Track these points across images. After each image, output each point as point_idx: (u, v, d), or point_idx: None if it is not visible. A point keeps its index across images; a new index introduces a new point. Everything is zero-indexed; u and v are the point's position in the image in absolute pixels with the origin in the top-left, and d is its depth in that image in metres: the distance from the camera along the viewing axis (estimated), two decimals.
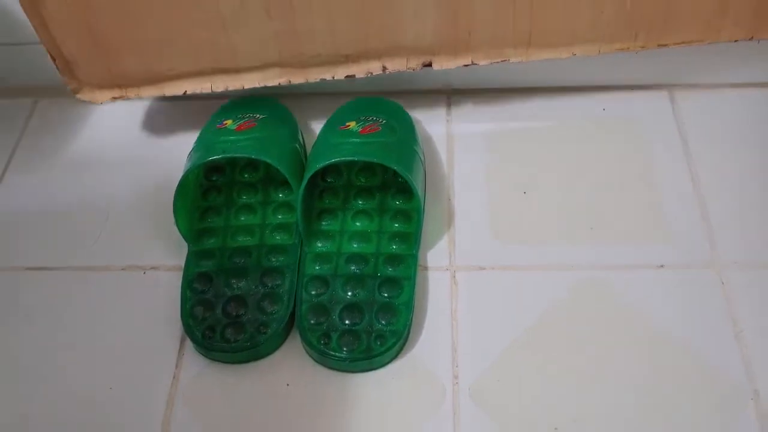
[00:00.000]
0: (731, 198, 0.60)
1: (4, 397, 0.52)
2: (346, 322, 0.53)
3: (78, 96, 0.59)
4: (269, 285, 0.55)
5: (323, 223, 0.57)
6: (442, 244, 0.59)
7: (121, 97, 0.60)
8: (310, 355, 0.53)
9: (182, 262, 0.56)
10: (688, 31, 0.61)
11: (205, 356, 0.53)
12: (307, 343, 0.52)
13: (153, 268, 0.58)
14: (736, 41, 0.61)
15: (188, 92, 0.60)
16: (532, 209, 0.60)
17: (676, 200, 0.60)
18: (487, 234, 0.59)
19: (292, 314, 0.54)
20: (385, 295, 0.54)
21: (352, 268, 0.55)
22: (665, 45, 0.61)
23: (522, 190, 0.62)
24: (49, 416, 0.52)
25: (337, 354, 0.51)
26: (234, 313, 0.53)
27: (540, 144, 0.65)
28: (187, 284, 0.55)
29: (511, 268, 0.57)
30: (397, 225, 0.57)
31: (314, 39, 0.57)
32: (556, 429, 0.49)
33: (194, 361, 0.53)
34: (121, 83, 0.59)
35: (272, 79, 0.59)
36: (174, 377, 0.53)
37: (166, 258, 0.58)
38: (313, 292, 0.54)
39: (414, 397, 0.51)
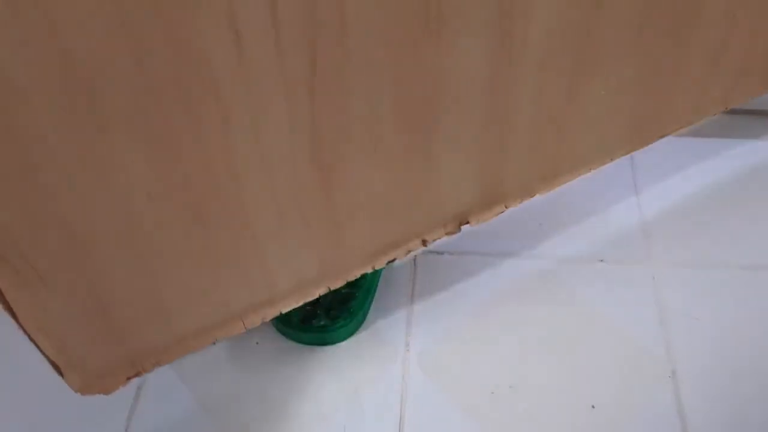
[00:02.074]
0: (668, 203, 0.69)
1: None
2: (307, 308, 0.59)
3: (84, 394, 0.45)
4: None
5: None
6: None
7: (137, 375, 0.47)
8: (273, 325, 0.59)
9: None
10: (679, 121, 0.61)
11: None
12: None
13: None
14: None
15: (218, 340, 0.48)
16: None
17: (620, 205, 0.69)
18: None
19: None
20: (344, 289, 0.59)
21: None
22: (662, 137, 0.61)
23: None
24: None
25: (297, 327, 0.58)
26: None
27: None
28: None
29: (465, 254, 0.65)
30: None
31: (359, 241, 0.49)
32: (492, 393, 0.56)
33: None
34: (136, 359, 0.46)
35: (310, 294, 0.50)
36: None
37: None
38: None
39: (367, 361, 0.58)
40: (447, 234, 0.54)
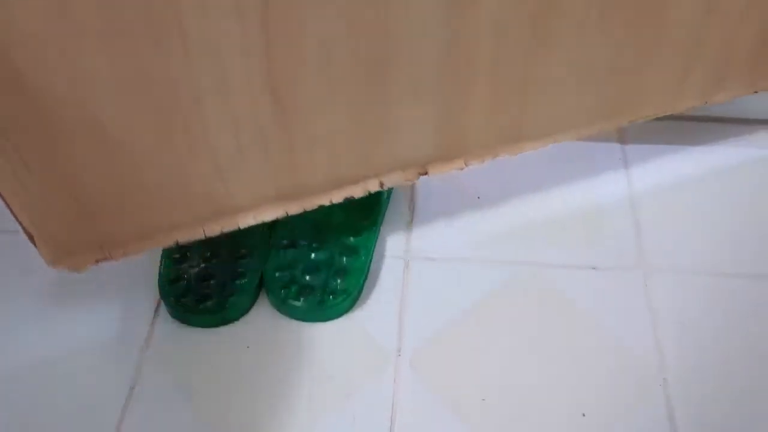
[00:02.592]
0: (661, 212, 0.69)
1: None
2: (307, 277, 0.61)
3: (54, 267, 0.52)
4: (239, 260, 0.62)
5: None
6: (400, 237, 0.67)
7: (104, 259, 0.53)
8: (271, 303, 0.61)
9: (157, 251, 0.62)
10: (653, 107, 0.64)
11: (178, 319, 0.60)
12: (271, 293, 0.60)
13: None
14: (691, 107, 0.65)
15: (180, 241, 0.54)
16: (484, 210, 0.69)
17: (613, 212, 0.69)
18: (440, 229, 0.67)
19: (258, 285, 0.62)
20: (344, 259, 0.62)
21: (320, 232, 0.63)
22: (635, 120, 0.64)
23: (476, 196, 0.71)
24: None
25: (294, 301, 0.59)
26: (206, 283, 0.60)
27: None
28: (166, 256, 0.62)
29: (457, 259, 0.65)
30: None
31: (314, 169, 0.54)
32: (483, 400, 0.56)
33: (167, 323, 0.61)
34: (105, 244, 0.53)
35: (269, 214, 0.56)
36: (148, 335, 0.60)
37: None
38: (281, 252, 0.62)
39: (360, 364, 0.58)
40: (406, 180, 0.58)
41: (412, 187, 0.71)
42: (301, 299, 0.60)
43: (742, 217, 0.68)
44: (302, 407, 0.55)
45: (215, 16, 0.42)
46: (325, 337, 0.60)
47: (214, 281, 0.61)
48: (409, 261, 0.65)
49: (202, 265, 0.62)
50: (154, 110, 0.46)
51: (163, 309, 0.61)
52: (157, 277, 0.61)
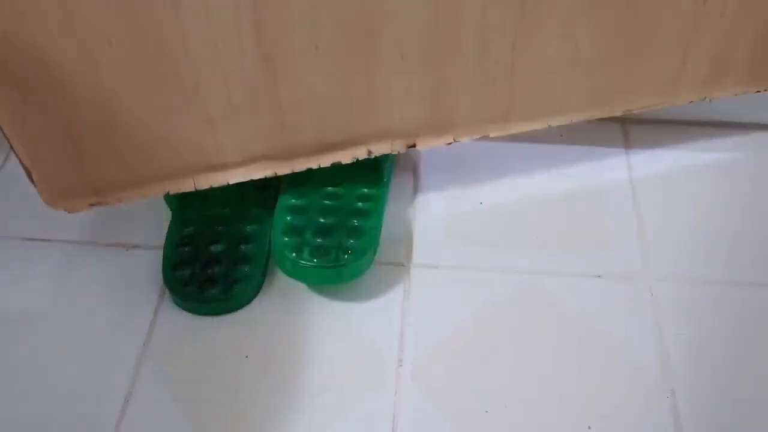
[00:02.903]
0: (666, 219, 0.67)
1: None
2: (318, 240, 0.59)
3: (52, 207, 0.55)
4: (243, 247, 0.61)
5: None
6: (401, 244, 0.65)
7: (99, 203, 0.56)
8: (283, 268, 0.59)
9: (161, 243, 0.63)
10: (649, 98, 0.64)
11: (182, 307, 0.60)
12: (281, 257, 0.58)
13: (135, 246, 0.65)
14: (690, 102, 0.66)
15: (171, 192, 0.57)
16: (486, 216, 0.68)
17: (618, 219, 0.67)
18: (442, 236, 0.66)
19: (264, 272, 0.61)
20: (355, 221, 0.60)
21: (326, 202, 0.62)
22: (630, 111, 0.65)
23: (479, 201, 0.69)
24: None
25: (308, 263, 0.57)
26: (210, 270, 0.60)
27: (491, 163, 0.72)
28: (169, 244, 0.62)
29: (460, 267, 0.63)
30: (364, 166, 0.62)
31: (302, 131, 0.56)
32: (487, 412, 0.55)
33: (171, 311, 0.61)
34: (99, 189, 0.56)
35: (258, 172, 0.58)
36: (151, 323, 0.60)
37: (147, 238, 0.65)
38: (288, 218, 0.60)
39: (361, 375, 0.57)
40: (393, 151, 0.60)
41: (414, 192, 0.69)
42: (315, 260, 0.57)
43: (751, 223, 0.67)
44: (301, 421, 0.54)
45: None
46: (328, 345, 0.58)
47: (218, 268, 0.60)
48: (410, 268, 0.64)
49: (207, 252, 0.61)
50: (145, 58, 0.48)
51: (168, 297, 0.61)
52: (161, 264, 0.61)
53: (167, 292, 0.61)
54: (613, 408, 0.55)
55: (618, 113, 0.64)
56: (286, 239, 0.59)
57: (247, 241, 0.62)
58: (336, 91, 0.54)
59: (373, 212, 0.61)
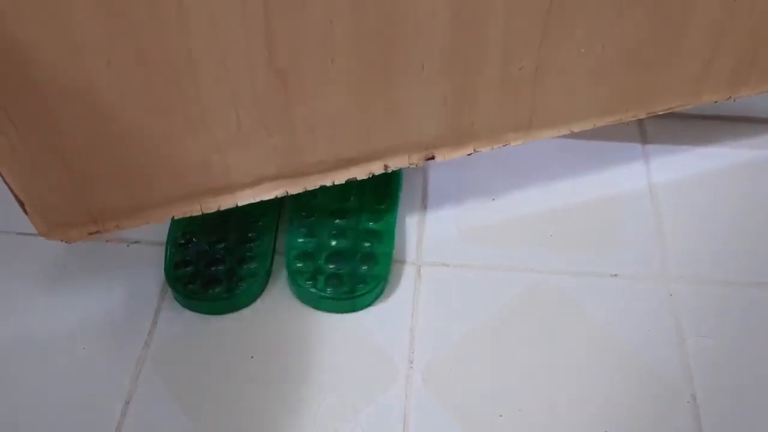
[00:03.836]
0: (685, 217, 0.65)
1: None
2: (331, 266, 0.58)
3: (47, 238, 0.51)
4: (248, 244, 0.60)
5: None
6: (411, 241, 0.63)
7: (98, 232, 0.52)
8: (297, 296, 0.58)
9: (163, 239, 0.61)
10: (673, 99, 0.61)
11: (184, 305, 0.58)
12: (296, 285, 0.57)
13: (136, 242, 0.63)
14: (716, 102, 0.63)
15: (176, 216, 0.53)
16: (498, 213, 0.66)
17: (635, 216, 0.65)
18: (453, 233, 0.64)
19: (269, 270, 0.60)
20: (367, 244, 0.59)
21: (336, 221, 0.60)
22: (654, 113, 0.62)
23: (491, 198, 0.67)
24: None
25: (322, 293, 0.56)
26: (214, 268, 0.58)
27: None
28: (172, 242, 0.60)
29: (471, 266, 0.61)
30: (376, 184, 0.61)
31: (315, 148, 0.53)
32: (500, 416, 0.52)
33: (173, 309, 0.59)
34: (98, 217, 0.51)
35: (269, 193, 0.54)
36: (153, 322, 0.58)
37: (149, 234, 0.63)
38: (300, 240, 0.59)
39: (371, 376, 0.55)
40: (411, 164, 0.56)
41: (424, 188, 0.67)
42: (329, 290, 0.57)
43: None
44: (308, 423, 0.52)
45: None
46: (337, 345, 0.56)
47: (222, 267, 0.58)
48: (420, 267, 0.61)
49: (210, 249, 0.59)
50: (148, 78, 0.44)
51: (169, 295, 0.59)
52: (164, 262, 0.59)
53: (169, 290, 0.59)
54: (631, 413, 0.53)
55: (642, 116, 0.61)
56: (300, 265, 0.58)
57: (252, 239, 0.60)
58: (352, 106, 0.51)
59: (385, 233, 0.60)
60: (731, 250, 0.63)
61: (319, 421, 0.52)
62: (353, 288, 0.57)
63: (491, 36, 0.50)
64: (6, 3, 0.38)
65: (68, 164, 0.47)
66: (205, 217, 0.58)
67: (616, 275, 0.61)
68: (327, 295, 0.56)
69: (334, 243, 0.59)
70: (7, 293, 0.59)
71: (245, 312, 0.58)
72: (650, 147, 0.71)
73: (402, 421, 0.52)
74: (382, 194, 0.62)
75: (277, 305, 0.59)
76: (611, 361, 0.55)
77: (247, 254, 0.59)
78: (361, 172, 0.55)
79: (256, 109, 0.48)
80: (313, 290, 0.56)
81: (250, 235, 0.60)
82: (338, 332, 0.57)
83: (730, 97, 0.63)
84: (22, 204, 0.48)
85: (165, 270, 0.58)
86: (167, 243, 0.60)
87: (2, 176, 0.46)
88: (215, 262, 0.59)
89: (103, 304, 0.59)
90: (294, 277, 0.57)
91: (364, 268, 0.58)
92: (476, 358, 0.56)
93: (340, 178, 0.55)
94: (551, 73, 0.54)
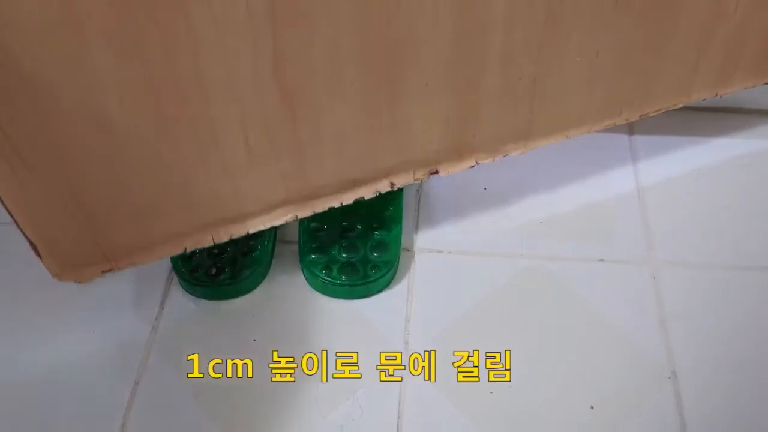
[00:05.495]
0: (669, 205, 0.68)
1: None
2: (344, 255, 0.61)
3: (60, 280, 0.50)
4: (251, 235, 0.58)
5: None
6: (407, 229, 0.66)
7: (111, 270, 0.52)
8: (313, 285, 0.61)
9: None
10: (663, 100, 0.63)
11: (190, 292, 0.61)
12: (313, 277, 0.60)
13: None
14: (703, 100, 0.64)
15: (188, 249, 0.53)
16: (490, 201, 0.68)
17: (621, 205, 0.68)
18: (447, 221, 0.67)
19: (271, 255, 0.62)
20: (376, 233, 0.62)
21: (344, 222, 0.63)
22: (646, 114, 0.63)
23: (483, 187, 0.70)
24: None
25: (338, 281, 0.59)
26: (219, 253, 0.60)
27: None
28: None
29: (465, 252, 0.64)
30: None
31: (323, 170, 0.53)
32: (491, 393, 0.55)
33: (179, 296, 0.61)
34: (111, 254, 0.51)
35: (278, 219, 0.54)
36: (160, 308, 0.60)
37: None
38: (312, 226, 0.62)
39: (364, 359, 0.57)
40: (416, 180, 0.57)
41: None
42: (343, 277, 0.59)
43: (752, 209, 0.68)
44: (307, 404, 0.55)
45: (222, 12, 0.41)
46: (332, 329, 0.59)
47: (226, 252, 0.60)
48: (415, 253, 0.64)
49: None
50: (159, 109, 0.44)
51: (176, 281, 0.61)
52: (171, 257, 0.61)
53: (175, 276, 0.61)
54: (616, 389, 0.55)
55: (635, 118, 0.63)
56: (314, 256, 0.61)
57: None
58: (358, 126, 0.51)
59: (392, 221, 0.63)
60: (714, 236, 0.65)
61: (317, 401, 0.55)
62: (366, 274, 0.60)
63: (491, 50, 0.51)
64: (22, 42, 0.38)
65: (80, 201, 0.47)
66: None
67: (602, 260, 0.63)
68: (343, 282, 0.59)
69: (345, 234, 0.62)
70: (7, 282, 0.61)
71: (249, 297, 0.61)
72: (636, 138, 0.74)
73: (398, 399, 0.55)
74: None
75: (280, 290, 0.61)
76: (597, 340, 0.58)
77: (252, 239, 0.61)
78: (368, 192, 0.56)
79: (266, 133, 0.48)
80: (328, 279, 0.59)
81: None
82: (336, 316, 0.60)
83: (716, 94, 0.65)
84: (34, 246, 0.47)
85: (171, 257, 0.60)
86: None
87: (13, 217, 0.46)
88: (220, 247, 0.60)
89: (111, 292, 0.61)
90: (309, 268, 0.60)
91: (375, 254, 0.61)
92: (468, 339, 0.58)
93: (347, 198, 0.56)
94: (548, 83, 0.55)
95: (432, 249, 0.64)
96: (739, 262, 0.63)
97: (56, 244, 0.48)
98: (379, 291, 0.61)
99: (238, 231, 0.54)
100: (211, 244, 0.53)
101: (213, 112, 0.46)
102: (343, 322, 0.59)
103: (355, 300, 0.61)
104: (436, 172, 0.58)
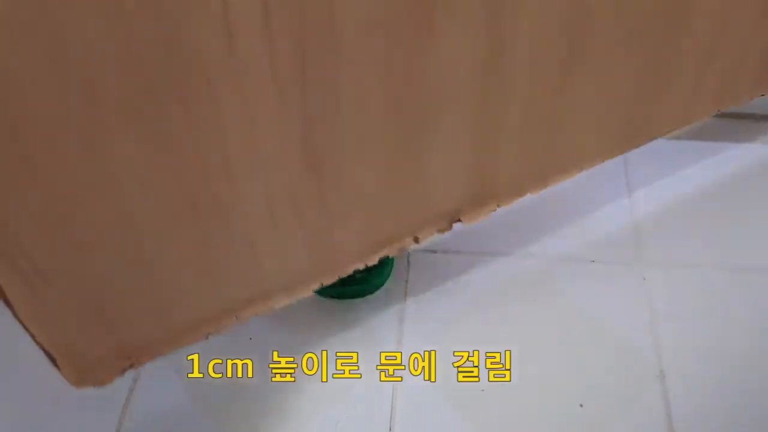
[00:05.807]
0: (659, 208, 0.69)
1: None
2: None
3: (79, 387, 0.46)
4: None
5: None
6: None
7: (132, 366, 0.47)
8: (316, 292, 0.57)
9: None
10: (671, 123, 0.62)
11: None
12: None
13: None
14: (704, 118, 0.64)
15: (210, 335, 0.49)
16: None
17: (612, 208, 0.69)
18: None
19: None
20: None
21: None
22: (654, 138, 0.62)
23: None
24: None
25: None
26: None
27: None
28: None
29: (460, 252, 0.66)
30: None
31: (348, 236, 0.50)
32: (482, 391, 0.56)
33: None
34: (132, 351, 0.47)
35: (303, 292, 0.51)
36: None
37: None
38: None
39: (361, 356, 0.58)
40: (438, 232, 0.55)
41: None
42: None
43: (740, 211, 0.69)
44: (303, 399, 0.55)
45: (251, 83, 0.38)
46: (325, 329, 0.60)
47: None
48: (409, 253, 0.65)
49: None
50: (183, 195, 0.41)
51: None
52: None
53: None
54: (605, 388, 0.57)
55: (644, 143, 0.62)
56: None
57: None
58: (383, 185, 0.48)
59: None
60: (703, 238, 0.67)
61: (314, 398, 0.56)
62: (363, 276, 0.60)
63: (516, 93, 0.49)
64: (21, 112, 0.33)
65: (100, 306, 0.43)
66: None
67: (593, 261, 0.65)
68: (338, 283, 0.56)
69: None
70: None
71: None
72: None
73: (391, 397, 0.56)
74: None
75: None
76: (587, 339, 0.59)
77: None
78: (392, 250, 0.53)
79: (291, 202, 0.45)
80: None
81: None
82: (329, 316, 0.61)
83: (716, 111, 0.64)
84: (50, 357, 0.43)
85: None
86: None
87: (28, 330, 0.41)
88: None
89: None
90: None
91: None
92: (460, 338, 0.59)
93: (373, 259, 0.53)
94: (567, 117, 0.54)
95: (425, 249, 0.66)
96: (727, 264, 0.65)
97: (75, 353, 0.44)
98: (375, 291, 0.62)
99: (263, 310, 0.50)
100: (235, 324, 0.49)
101: (238, 184, 0.42)
102: (340, 322, 0.60)
103: (351, 300, 0.61)
104: (459, 221, 0.55)
